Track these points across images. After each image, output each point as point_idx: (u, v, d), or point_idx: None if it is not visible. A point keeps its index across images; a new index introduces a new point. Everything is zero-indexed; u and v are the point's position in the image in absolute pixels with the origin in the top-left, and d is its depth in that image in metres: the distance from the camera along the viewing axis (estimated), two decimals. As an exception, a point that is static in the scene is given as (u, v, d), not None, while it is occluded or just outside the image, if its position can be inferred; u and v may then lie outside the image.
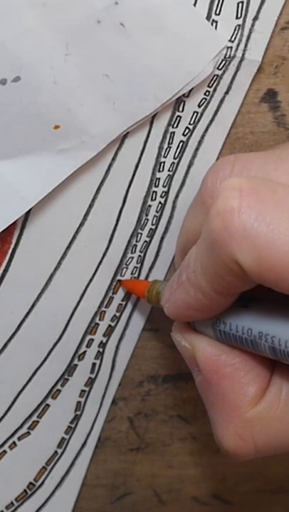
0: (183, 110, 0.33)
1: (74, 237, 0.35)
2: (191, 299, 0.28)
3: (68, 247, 0.35)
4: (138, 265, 0.36)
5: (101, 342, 0.37)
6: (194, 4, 0.31)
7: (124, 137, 0.33)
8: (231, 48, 0.32)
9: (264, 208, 0.25)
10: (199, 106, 0.33)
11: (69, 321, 0.36)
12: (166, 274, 0.36)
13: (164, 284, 0.33)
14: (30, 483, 0.38)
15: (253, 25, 0.32)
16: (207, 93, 0.33)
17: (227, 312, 0.29)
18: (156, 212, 0.35)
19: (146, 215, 0.35)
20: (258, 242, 0.25)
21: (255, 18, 0.32)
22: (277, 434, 0.29)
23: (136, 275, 0.36)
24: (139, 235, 0.35)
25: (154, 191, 0.35)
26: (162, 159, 0.34)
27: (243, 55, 0.33)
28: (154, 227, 0.35)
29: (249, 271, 0.25)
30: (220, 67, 0.33)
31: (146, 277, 0.36)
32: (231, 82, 0.33)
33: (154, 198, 0.35)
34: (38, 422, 0.37)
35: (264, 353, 0.28)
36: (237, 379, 0.29)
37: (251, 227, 0.25)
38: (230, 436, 0.29)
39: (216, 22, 0.32)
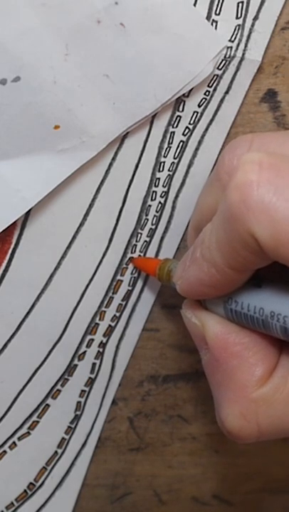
0: (183, 110, 0.33)
1: (74, 237, 0.35)
2: (205, 275, 0.28)
3: (68, 247, 0.35)
4: (138, 265, 0.36)
5: (101, 342, 0.37)
6: (194, 4, 0.31)
7: (124, 137, 0.33)
8: (231, 47, 0.32)
9: (283, 183, 0.25)
10: (199, 106, 0.33)
11: (69, 321, 0.36)
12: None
13: (175, 263, 0.33)
14: (31, 483, 0.38)
15: (253, 25, 0.32)
16: (207, 93, 0.33)
17: (239, 291, 0.29)
18: (156, 212, 0.35)
19: (146, 215, 0.35)
20: (275, 216, 0.24)
21: (255, 18, 0.32)
22: (282, 416, 0.29)
23: (136, 275, 0.36)
24: (139, 235, 0.35)
25: (154, 191, 0.35)
26: (162, 159, 0.34)
27: (243, 55, 0.33)
28: (154, 227, 0.35)
29: (265, 245, 0.25)
30: (220, 67, 0.33)
31: (146, 278, 0.36)
32: (231, 82, 0.33)
33: (154, 197, 0.35)
34: (38, 422, 0.37)
35: (275, 333, 0.28)
36: (245, 358, 0.29)
37: (269, 202, 0.25)
38: (234, 416, 0.29)
39: (216, 22, 0.32)
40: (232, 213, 0.25)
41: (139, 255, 0.36)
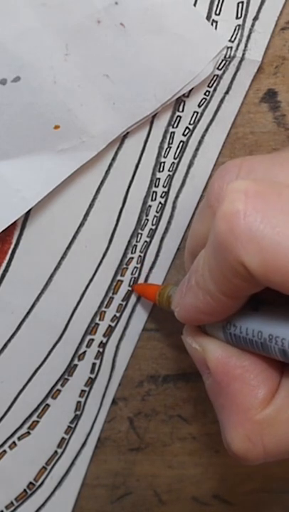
0: (183, 110, 0.33)
1: (74, 237, 0.35)
2: (200, 302, 0.28)
3: (68, 247, 0.35)
4: (138, 265, 0.36)
5: (101, 342, 0.37)
6: (194, 4, 0.31)
7: (124, 137, 0.33)
8: (231, 48, 0.32)
9: (270, 211, 0.25)
10: (199, 106, 0.33)
11: (69, 321, 0.36)
12: (166, 274, 0.36)
13: (174, 289, 0.33)
14: (30, 483, 0.38)
15: (253, 25, 0.32)
16: (207, 93, 0.33)
17: (237, 315, 0.29)
18: (157, 212, 0.35)
19: (147, 216, 0.35)
20: (263, 244, 0.25)
21: (255, 18, 0.32)
22: (287, 437, 0.29)
23: (136, 275, 0.36)
24: (139, 235, 0.35)
25: (154, 191, 0.35)
26: (162, 159, 0.34)
27: (243, 55, 0.33)
28: (154, 227, 0.35)
29: (255, 273, 0.25)
30: (220, 67, 0.33)
31: (147, 277, 0.36)
32: (231, 82, 0.33)
33: (154, 198, 0.35)
34: (38, 422, 0.37)
35: (274, 356, 0.28)
36: (247, 381, 0.29)
37: (257, 230, 0.25)
38: (239, 439, 0.29)
39: (216, 22, 0.32)
40: (220, 242, 0.26)
41: (139, 255, 0.36)
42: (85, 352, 0.37)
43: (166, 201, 0.35)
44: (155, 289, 0.35)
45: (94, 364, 0.37)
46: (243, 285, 0.26)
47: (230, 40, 0.32)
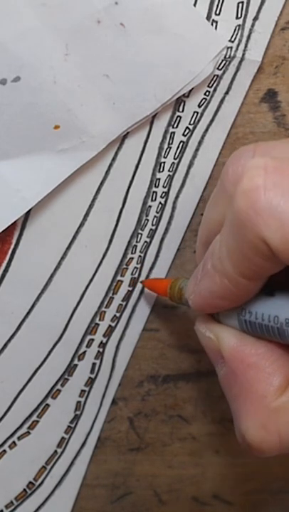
0: (183, 110, 0.33)
1: (74, 237, 0.35)
2: (217, 286, 0.28)
3: (68, 247, 0.35)
4: (138, 266, 0.36)
5: (101, 342, 0.37)
6: (194, 4, 0.31)
7: (124, 137, 0.33)
8: (231, 48, 0.32)
9: None
10: (199, 106, 0.33)
11: (69, 321, 0.36)
12: (166, 274, 0.36)
13: (185, 281, 0.33)
14: (30, 482, 0.38)
15: (253, 25, 0.32)
16: (207, 93, 0.33)
17: (252, 301, 0.29)
18: (157, 212, 0.35)
19: (147, 216, 0.35)
20: (285, 219, 0.24)
21: (255, 18, 0.32)
22: None
23: (136, 275, 0.36)
24: (140, 236, 0.35)
25: (154, 192, 0.35)
26: (162, 159, 0.34)
27: (243, 55, 0.33)
28: (154, 227, 0.35)
29: (277, 249, 0.25)
30: (220, 67, 0.33)
31: (147, 278, 0.36)
32: (231, 82, 0.33)
33: (154, 198, 0.35)
34: (37, 421, 0.37)
35: None
36: (262, 369, 0.29)
37: (278, 205, 0.25)
38: (255, 428, 0.29)
39: (216, 22, 0.32)
40: (241, 220, 0.25)
41: (140, 256, 0.36)
42: (85, 352, 0.37)
43: (166, 201, 0.35)
44: (166, 283, 0.34)
45: (94, 364, 0.37)
46: (264, 264, 0.26)
47: (230, 40, 0.32)
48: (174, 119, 0.34)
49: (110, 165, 0.34)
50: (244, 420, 0.29)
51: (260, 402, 0.29)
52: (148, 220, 0.35)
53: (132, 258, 0.36)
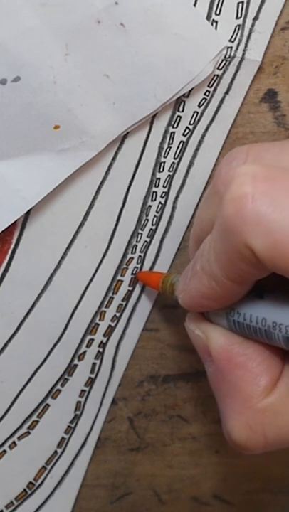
0: (183, 110, 0.33)
1: (74, 237, 0.35)
2: (206, 288, 0.28)
3: (68, 247, 0.35)
4: (138, 265, 0.36)
5: (101, 342, 0.37)
6: (194, 4, 0.31)
7: (124, 137, 0.33)
8: (231, 48, 0.32)
9: (278, 195, 0.25)
10: (199, 106, 0.33)
11: (69, 321, 0.36)
12: (166, 274, 0.36)
13: (178, 276, 0.33)
14: (30, 482, 0.38)
15: (253, 25, 0.32)
16: (207, 93, 0.33)
17: (241, 302, 0.29)
18: (157, 212, 0.35)
19: (147, 216, 0.35)
20: (271, 228, 0.25)
21: (255, 18, 0.32)
22: (288, 426, 0.29)
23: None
24: (140, 236, 0.35)
25: (154, 191, 0.35)
26: (162, 159, 0.34)
27: (243, 55, 0.33)
28: (154, 227, 0.35)
29: (262, 257, 0.25)
30: (220, 67, 0.33)
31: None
32: (231, 82, 0.33)
33: (154, 198, 0.35)
34: (37, 421, 0.37)
35: (277, 343, 0.28)
36: (249, 369, 0.29)
37: (264, 213, 0.25)
38: (240, 427, 0.29)
39: (216, 22, 0.32)
40: (228, 226, 0.26)
41: (140, 256, 0.36)
42: (85, 352, 0.37)
43: (166, 201, 0.35)
44: (158, 277, 0.34)
45: (94, 364, 0.37)
46: (249, 270, 0.26)
47: (230, 40, 0.32)
48: (174, 119, 0.34)
49: (110, 165, 0.34)
50: (230, 419, 0.29)
51: (247, 402, 0.29)
52: (148, 220, 0.35)
53: (132, 258, 0.36)
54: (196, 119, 0.34)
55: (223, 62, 0.33)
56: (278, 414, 0.29)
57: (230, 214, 0.25)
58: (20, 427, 0.37)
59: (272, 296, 0.28)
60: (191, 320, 0.32)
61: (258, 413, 0.29)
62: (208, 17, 0.32)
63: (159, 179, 0.35)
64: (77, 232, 0.35)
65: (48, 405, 0.37)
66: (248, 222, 0.25)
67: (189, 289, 0.29)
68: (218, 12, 0.32)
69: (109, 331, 0.37)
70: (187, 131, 0.34)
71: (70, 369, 0.37)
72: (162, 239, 0.36)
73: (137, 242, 0.35)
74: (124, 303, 0.36)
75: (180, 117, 0.34)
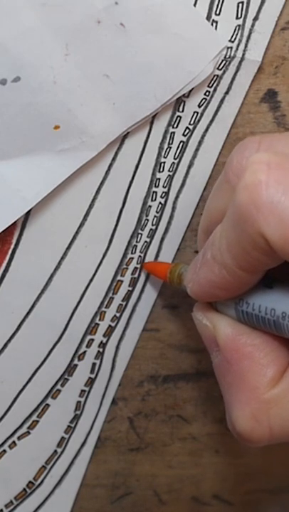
0: (183, 110, 0.33)
1: (74, 237, 0.35)
2: (216, 276, 0.28)
3: (68, 247, 0.35)
4: (138, 266, 0.36)
5: (101, 342, 0.37)
6: (194, 4, 0.31)
7: (124, 137, 0.33)
8: (231, 48, 0.32)
9: None
10: (199, 106, 0.33)
11: (69, 321, 0.36)
12: (166, 274, 0.36)
13: (186, 267, 0.33)
14: (30, 482, 0.38)
15: (253, 25, 0.32)
16: (207, 93, 0.33)
17: (250, 292, 0.29)
18: (157, 212, 0.35)
19: (147, 216, 0.35)
20: (285, 216, 0.25)
21: (256, 19, 0.32)
22: None
23: (136, 275, 0.36)
24: (140, 236, 0.35)
25: (154, 192, 0.35)
26: (162, 159, 0.34)
27: (243, 55, 0.33)
28: (154, 227, 0.35)
29: (275, 245, 0.25)
30: (220, 68, 0.33)
31: (147, 278, 0.36)
32: (231, 82, 0.33)
33: (154, 198, 0.35)
34: (37, 421, 0.37)
35: (286, 334, 0.28)
36: (256, 359, 0.29)
37: (279, 201, 0.25)
38: (245, 418, 0.29)
39: (216, 22, 0.32)
40: (241, 214, 0.25)
41: (140, 256, 0.36)
42: (85, 352, 0.37)
43: (166, 201, 0.35)
44: (166, 267, 0.34)
45: (94, 364, 0.37)
46: (262, 258, 0.26)
47: (230, 40, 0.32)
48: (174, 119, 0.34)
49: (110, 165, 0.34)
50: (235, 409, 0.29)
51: (253, 392, 0.29)
52: (148, 220, 0.35)
53: (132, 258, 0.36)
54: (196, 119, 0.34)
55: (223, 62, 0.33)
56: (284, 406, 0.28)
57: (244, 202, 0.25)
58: (20, 426, 0.37)
59: (282, 286, 0.28)
60: (198, 310, 0.31)
61: (263, 404, 0.28)
62: (208, 17, 0.32)
63: (159, 179, 0.35)
64: (77, 232, 0.35)
65: (48, 405, 0.37)
66: (262, 211, 0.25)
67: (199, 278, 0.29)
68: (218, 12, 0.32)
69: (109, 331, 0.37)
70: (187, 131, 0.34)
71: (70, 369, 0.37)
72: (162, 239, 0.36)
73: (137, 242, 0.35)
74: (124, 303, 0.36)
75: (180, 117, 0.34)
